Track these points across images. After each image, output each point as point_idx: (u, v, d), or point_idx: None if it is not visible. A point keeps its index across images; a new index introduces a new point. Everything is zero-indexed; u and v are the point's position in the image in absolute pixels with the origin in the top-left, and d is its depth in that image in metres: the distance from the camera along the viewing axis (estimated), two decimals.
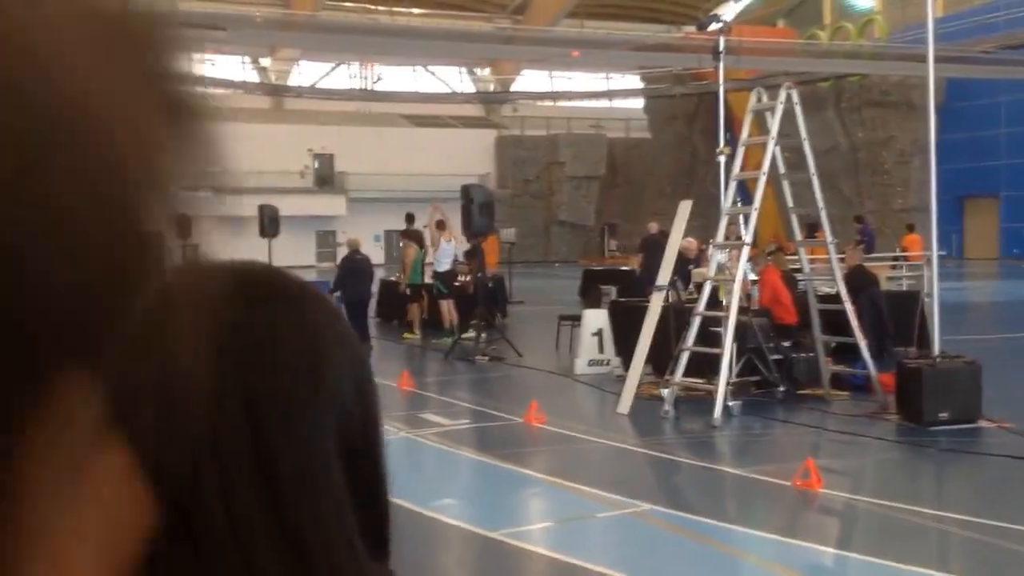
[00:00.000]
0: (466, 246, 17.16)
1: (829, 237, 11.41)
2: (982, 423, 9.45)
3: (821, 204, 11.27)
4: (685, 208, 11.67)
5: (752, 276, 12.62)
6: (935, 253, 10.58)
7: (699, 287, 11.76)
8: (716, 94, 12.60)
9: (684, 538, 6.63)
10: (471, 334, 15.23)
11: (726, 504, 7.57)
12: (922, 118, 10.80)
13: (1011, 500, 7.22)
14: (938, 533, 6.61)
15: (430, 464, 8.80)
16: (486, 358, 14.39)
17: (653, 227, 19.15)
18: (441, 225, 17.29)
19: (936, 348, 10.09)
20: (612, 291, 18.04)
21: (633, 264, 20.61)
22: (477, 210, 15.49)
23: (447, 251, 17.15)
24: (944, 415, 9.36)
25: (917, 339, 13.33)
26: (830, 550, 6.53)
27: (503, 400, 11.35)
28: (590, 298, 17.03)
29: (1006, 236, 43.43)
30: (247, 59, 51.00)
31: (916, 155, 37.75)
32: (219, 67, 47.29)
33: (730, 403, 10.17)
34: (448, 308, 16.87)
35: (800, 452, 8.22)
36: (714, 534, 6.61)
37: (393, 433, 9.40)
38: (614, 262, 36.54)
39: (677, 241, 11.62)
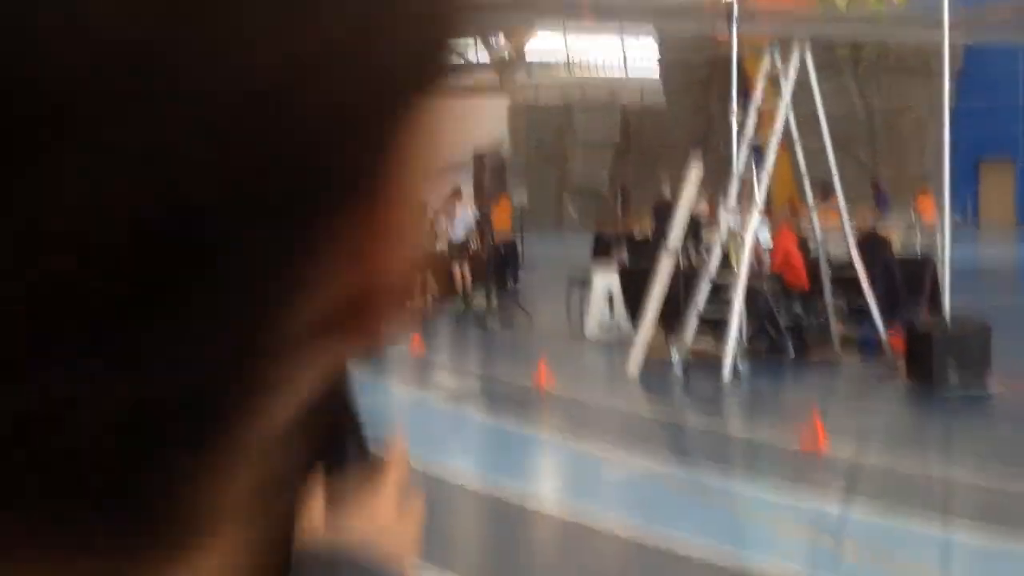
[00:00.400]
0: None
1: (842, 202, 11.37)
2: (992, 385, 9.44)
3: (834, 169, 11.23)
4: (695, 172, 11.63)
5: (767, 239, 12.60)
6: (947, 217, 10.54)
7: (710, 249, 11.76)
8: (731, 59, 12.53)
9: (692, 498, 6.67)
10: (482, 298, 15.29)
11: (734, 464, 7.61)
12: (944, 83, 10.73)
13: (1020, 462, 7.23)
14: (946, 493, 6.64)
15: (439, 425, 8.86)
16: (497, 321, 14.44)
17: (665, 192, 19.07)
18: (457, 194, 17.29)
19: (947, 311, 10.08)
20: (625, 256, 18.02)
21: (646, 229, 20.55)
22: (489, 176, 15.49)
23: (463, 219, 17.16)
24: (954, 377, 9.36)
25: (929, 302, 13.29)
26: (837, 508, 6.55)
27: (512, 362, 11.39)
28: (603, 263, 17.01)
29: (1023, 201, 43.14)
30: None
31: (933, 121, 37.43)
32: None
33: (740, 365, 10.19)
34: (461, 272, 16.91)
35: (808, 413, 8.24)
36: (721, 493, 6.65)
37: (403, 395, 9.47)
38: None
39: (687, 204, 11.60)
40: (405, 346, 11.93)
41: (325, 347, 0.24)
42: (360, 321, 0.24)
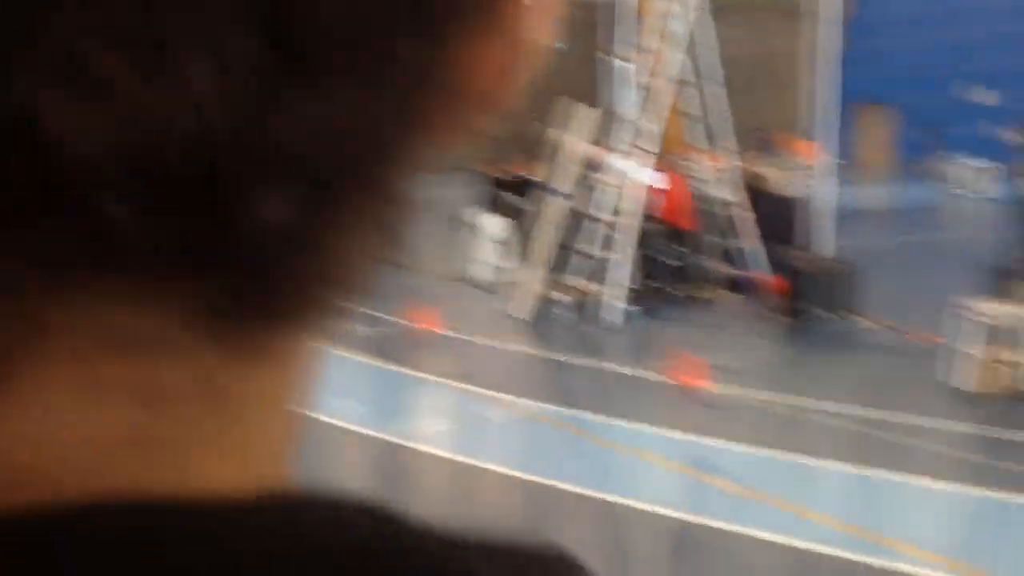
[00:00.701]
0: None
1: (728, 144, 11.58)
2: (860, 320, 9.81)
3: (720, 111, 11.40)
4: (584, 114, 11.68)
5: (655, 182, 12.75)
6: (825, 159, 10.83)
7: (598, 192, 11.86)
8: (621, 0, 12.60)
9: (574, 436, 6.79)
10: None
11: (616, 402, 7.76)
12: (826, 27, 10.95)
13: (884, 391, 7.55)
14: (815, 424, 6.89)
15: (321, 368, 8.80)
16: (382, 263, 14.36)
17: (556, 134, 19.07)
18: None
19: (821, 250, 10.40)
20: (515, 197, 18.05)
21: (536, 172, 20.56)
22: None
23: None
24: (825, 313, 9.70)
25: (806, 242, 13.67)
26: (715, 442, 6.75)
27: (397, 305, 11.34)
28: (492, 204, 17.03)
29: (901, 142, 44.50)
30: None
31: (818, 64, 38.24)
32: None
33: (625, 306, 10.35)
34: None
35: (689, 350, 8.44)
36: (603, 431, 6.78)
37: None
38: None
39: (575, 148, 11.66)
40: None
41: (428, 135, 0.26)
42: (452, 119, 0.26)
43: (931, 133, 41.09)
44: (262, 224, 0.22)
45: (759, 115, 41.59)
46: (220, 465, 0.24)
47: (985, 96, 37.88)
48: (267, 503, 0.24)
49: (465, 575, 0.25)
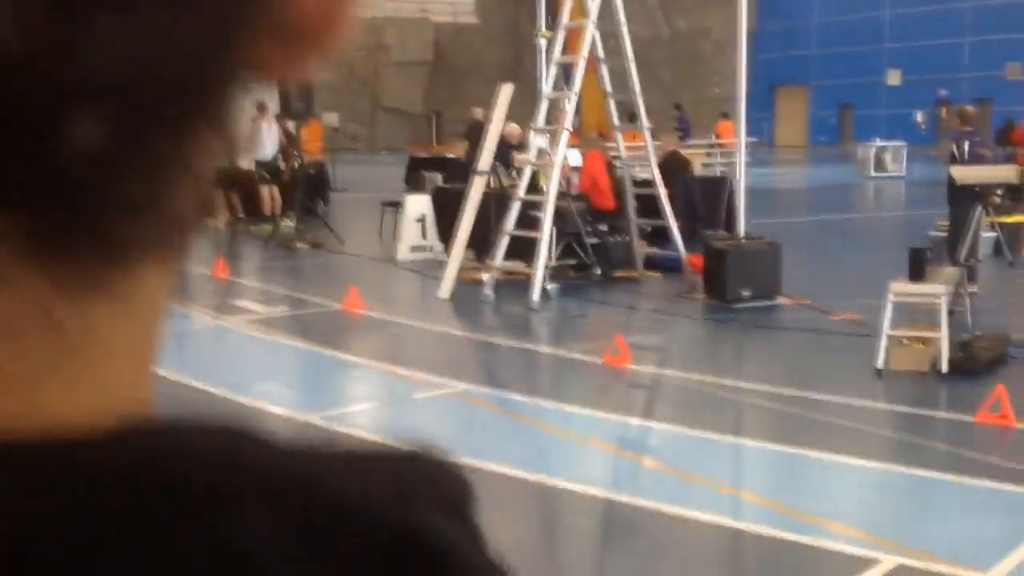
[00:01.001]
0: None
1: (645, 123, 11.64)
2: (781, 300, 9.99)
3: (638, 90, 11.45)
4: (506, 93, 11.63)
5: (573, 160, 12.77)
6: (743, 139, 10.96)
7: (521, 172, 11.86)
8: None
9: (500, 415, 6.80)
10: (290, 220, 14.97)
11: (541, 382, 7.80)
12: (743, 7, 11.03)
13: (805, 371, 7.70)
14: (738, 403, 7.00)
15: (246, 352, 8.67)
16: (306, 245, 14.18)
17: (479, 113, 19.01)
18: (263, 109, 16.67)
19: (741, 230, 10.55)
20: (438, 178, 17.97)
21: (459, 151, 20.51)
22: (296, 96, 15.01)
23: (271, 137, 16.62)
24: (747, 293, 9.84)
25: (725, 222, 13.88)
26: (638, 422, 6.82)
27: (323, 287, 11.23)
28: (415, 185, 16.92)
29: (814, 124, 45.34)
30: None
31: (733, 45, 38.66)
32: None
33: (548, 286, 10.38)
34: (270, 194, 16.45)
35: (612, 331, 8.50)
36: (529, 411, 6.81)
37: (206, 321, 9.20)
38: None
39: (498, 126, 11.62)
40: (208, 270, 11.56)
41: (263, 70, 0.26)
42: (290, 52, 0.26)
43: (843, 114, 41.77)
44: (77, 152, 0.21)
45: (680, 94, 41.88)
46: (66, 399, 0.24)
47: (895, 78, 38.67)
48: (120, 433, 0.24)
49: (336, 489, 0.25)
